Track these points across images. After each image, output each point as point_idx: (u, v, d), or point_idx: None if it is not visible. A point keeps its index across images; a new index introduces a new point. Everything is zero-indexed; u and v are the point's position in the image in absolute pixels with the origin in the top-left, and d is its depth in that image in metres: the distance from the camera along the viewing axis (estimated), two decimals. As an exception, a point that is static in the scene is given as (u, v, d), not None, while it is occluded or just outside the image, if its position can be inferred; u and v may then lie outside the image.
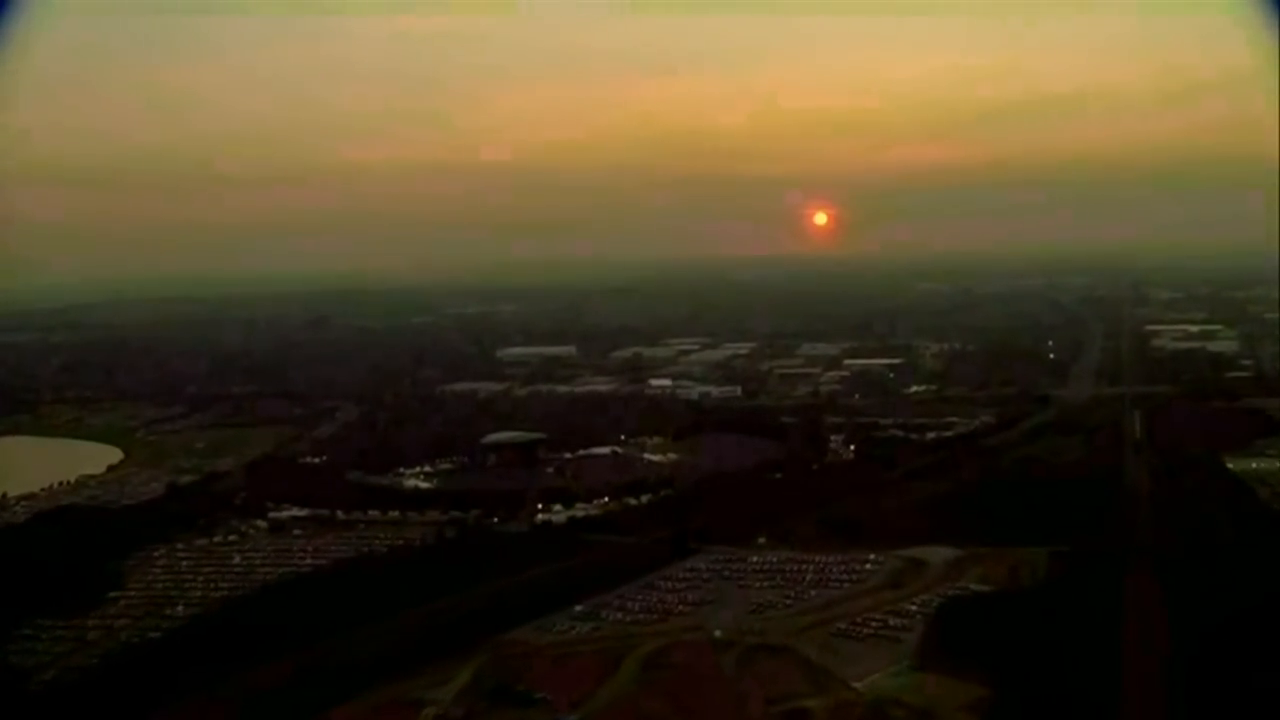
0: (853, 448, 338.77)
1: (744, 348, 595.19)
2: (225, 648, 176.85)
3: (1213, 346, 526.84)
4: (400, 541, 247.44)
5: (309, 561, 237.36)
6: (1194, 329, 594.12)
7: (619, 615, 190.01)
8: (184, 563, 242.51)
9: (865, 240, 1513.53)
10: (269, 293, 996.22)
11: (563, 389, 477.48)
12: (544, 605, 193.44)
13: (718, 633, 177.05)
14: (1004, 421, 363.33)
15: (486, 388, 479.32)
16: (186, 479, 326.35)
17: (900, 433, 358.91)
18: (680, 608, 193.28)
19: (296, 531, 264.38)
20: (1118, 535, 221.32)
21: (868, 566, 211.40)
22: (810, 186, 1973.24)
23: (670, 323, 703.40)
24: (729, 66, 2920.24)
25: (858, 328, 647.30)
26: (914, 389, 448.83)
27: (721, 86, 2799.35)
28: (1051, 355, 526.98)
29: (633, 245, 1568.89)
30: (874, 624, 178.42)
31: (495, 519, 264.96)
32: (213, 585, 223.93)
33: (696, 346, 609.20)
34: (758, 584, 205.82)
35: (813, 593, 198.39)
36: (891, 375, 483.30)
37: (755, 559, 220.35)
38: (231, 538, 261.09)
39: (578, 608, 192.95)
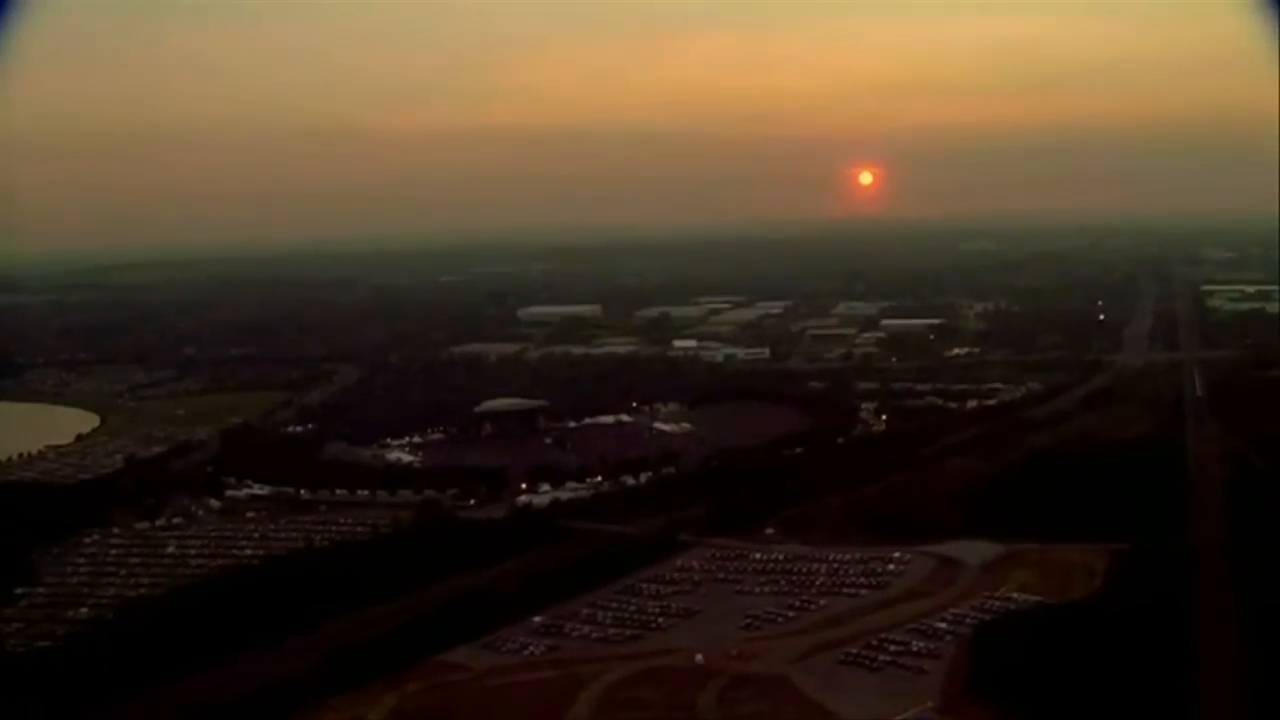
0: (884, 418, 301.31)
1: (777, 307, 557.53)
2: (97, 672, 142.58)
3: (1270, 308, 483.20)
4: (357, 528, 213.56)
5: (248, 552, 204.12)
6: (1250, 289, 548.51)
7: (584, 630, 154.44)
8: (113, 552, 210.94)
9: (910, 202, 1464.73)
10: (299, 255, 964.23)
11: (579, 350, 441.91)
12: (498, 614, 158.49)
13: (699, 658, 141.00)
14: (1052, 388, 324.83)
15: (499, 349, 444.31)
16: (156, 449, 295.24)
17: (938, 400, 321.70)
18: (660, 620, 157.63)
19: (249, 514, 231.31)
20: (1187, 529, 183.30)
21: (891, 567, 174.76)
22: (854, 148, 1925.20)
23: (702, 282, 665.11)
24: (772, 26, 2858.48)
25: (898, 287, 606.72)
26: (955, 351, 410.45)
27: (765, 46, 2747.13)
28: (1102, 317, 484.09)
29: (671, 207, 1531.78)
30: (892, 647, 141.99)
31: (472, 500, 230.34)
32: (131, 582, 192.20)
33: (727, 305, 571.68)
34: (758, 588, 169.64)
35: (822, 601, 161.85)
36: (931, 337, 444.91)
37: (759, 555, 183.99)
38: (176, 520, 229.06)
39: (537, 619, 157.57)
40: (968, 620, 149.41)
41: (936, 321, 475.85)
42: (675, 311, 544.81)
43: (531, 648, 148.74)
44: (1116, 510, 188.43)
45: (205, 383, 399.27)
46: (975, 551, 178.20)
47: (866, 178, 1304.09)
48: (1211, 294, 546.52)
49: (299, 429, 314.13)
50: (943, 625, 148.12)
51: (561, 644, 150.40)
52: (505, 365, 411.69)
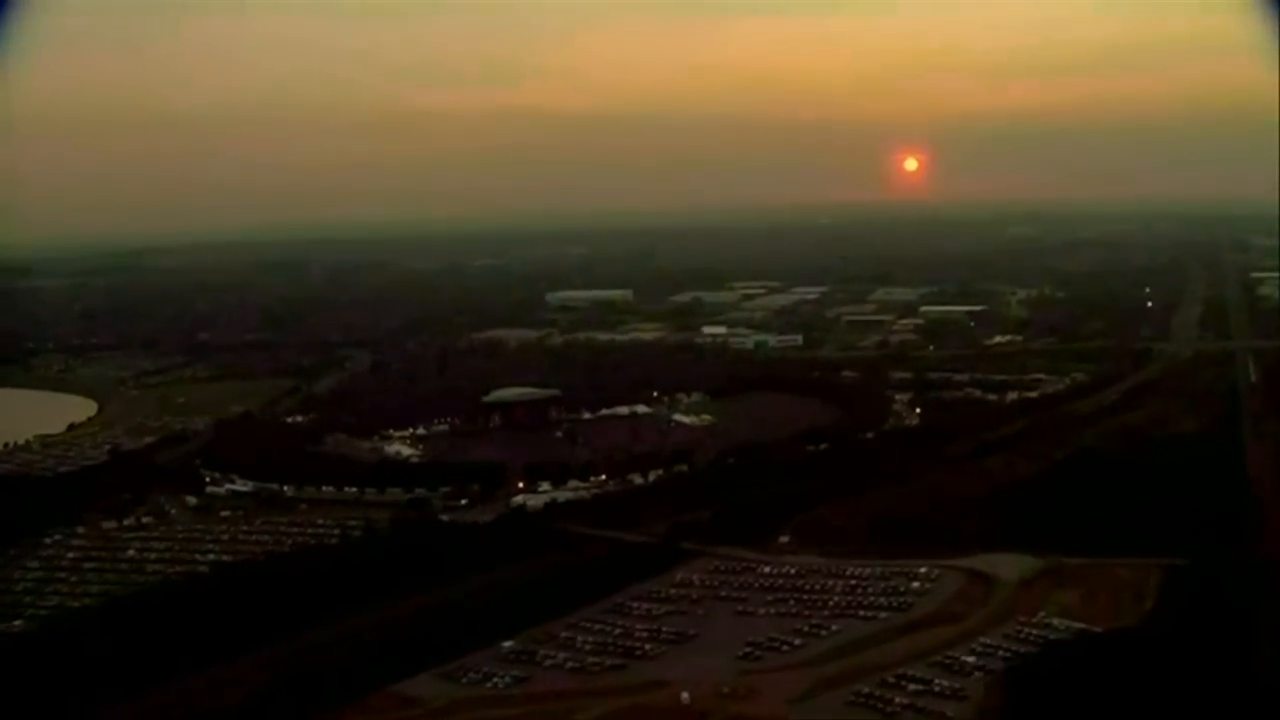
0: (918, 410, 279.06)
1: (813, 292, 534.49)
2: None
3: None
4: (334, 531, 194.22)
5: (211, 557, 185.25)
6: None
7: (560, 658, 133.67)
8: (70, 555, 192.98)
9: (952, 187, 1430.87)
10: (332, 239, 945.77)
11: (603, 337, 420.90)
12: (465, 638, 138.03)
13: (685, 696, 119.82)
14: (1098, 380, 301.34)
15: (521, 335, 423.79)
16: (147, 440, 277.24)
17: (976, 391, 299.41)
18: (648, 646, 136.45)
19: (225, 513, 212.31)
20: (1249, 540, 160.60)
21: (915, 585, 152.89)
22: (896, 132, 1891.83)
23: (739, 266, 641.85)
24: (812, 8, 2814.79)
25: (938, 272, 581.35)
26: (996, 339, 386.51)
27: (804, 29, 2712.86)
28: (1149, 304, 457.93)
29: (712, 191, 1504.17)
30: (912, 686, 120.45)
31: (464, 500, 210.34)
32: (78, 590, 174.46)
33: (762, 291, 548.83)
34: (763, 608, 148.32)
35: (835, 626, 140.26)
36: (972, 324, 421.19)
37: (768, 569, 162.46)
38: (146, 520, 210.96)
39: (507, 644, 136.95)
40: (1000, 653, 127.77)
41: (977, 308, 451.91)
42: (708, 297, 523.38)
43: (497, 679, 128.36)
44: (1169, 518, 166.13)
45: (214, 369, 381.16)
46: (1010, 566, 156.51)
47: (911, 164, 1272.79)
48: (1262, 281, 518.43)
49: (300, 419, 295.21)
50: (971, 659, 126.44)
51: (532, 674, 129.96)
52: (525, 352, 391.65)
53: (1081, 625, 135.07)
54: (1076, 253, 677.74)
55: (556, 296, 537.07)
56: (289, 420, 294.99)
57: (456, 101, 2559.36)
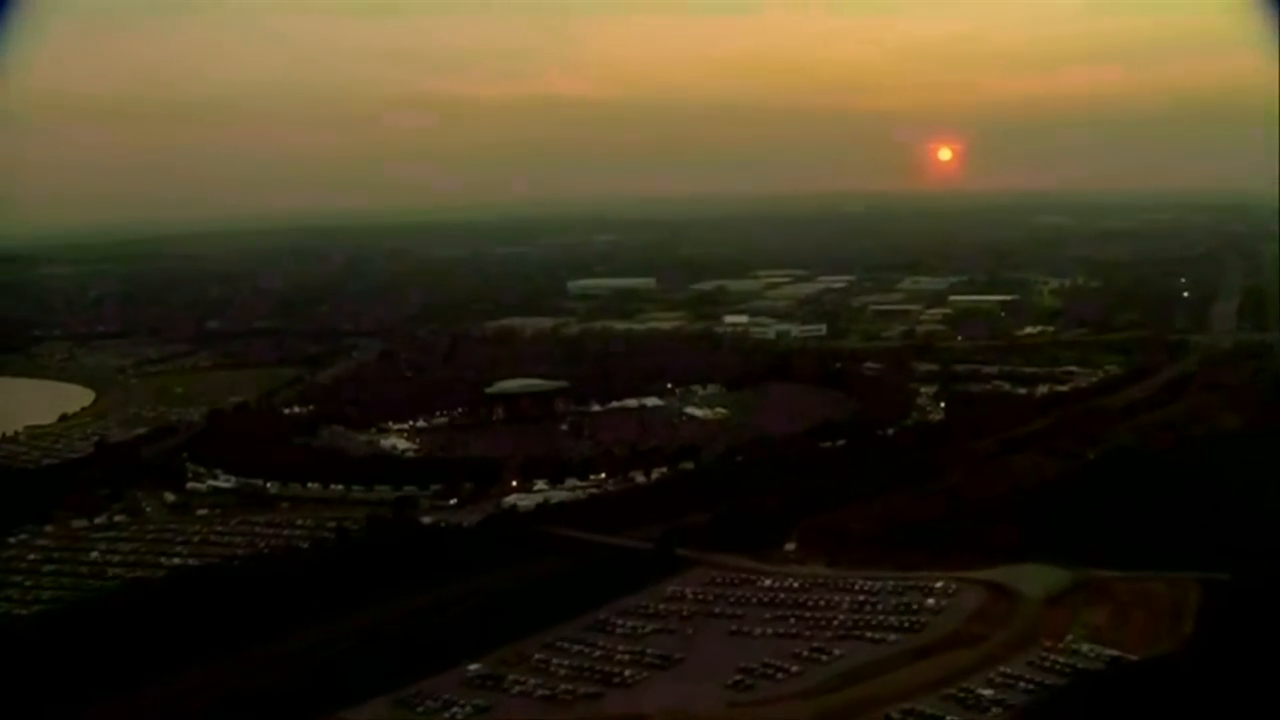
0: (942, 404, 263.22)
1: (840, 281, 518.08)
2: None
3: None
4: (310, 534, 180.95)
5: (175, 561, 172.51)
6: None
7: (529, 684, 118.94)
8: (31, 556, 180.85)
9: (984, 176, 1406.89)
10: (355, 226, 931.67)
11: (621, 326, 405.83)
12: (427, 658, 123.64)
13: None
14: (1133, 372, 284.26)
15: (536, 323, 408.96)
16: (138, 431, 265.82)
17: (1005, 384, 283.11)
18: (628, 672, 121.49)
19: (201, 511, 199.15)
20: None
21: (930, 601, 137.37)
22: (927, 121, 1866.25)
23: (766, 254, 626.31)
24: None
25: (968, 261, 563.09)
26: (1027, 330, 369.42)
27: (837, 18, 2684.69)
28: (1185, 294, 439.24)
29: (743, 179, 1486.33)
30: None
31: (453, 500, 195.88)
32: (30, 596, 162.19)
33: (787, 279, 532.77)
34: (760, 627, 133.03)
35: (838, 650, 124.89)
36: (1002, 313, 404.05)
37: (769, 581, 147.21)
38: (118, 518, 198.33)
39: (473, 667, 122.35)
40: (1021, 684, 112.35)
41: (1008, 297, 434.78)
42: (732, 285, 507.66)
43: (457, 708, 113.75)
44: (1211, 526, 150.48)
45: (218, 357, 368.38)
46: (1036, 580, 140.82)
47: (945, 153, 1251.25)
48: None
49: (297, 410, 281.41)
50: (988, 692, 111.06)
51: (496, 703, 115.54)
52: (539, 341, 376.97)
53: (1114, 652, 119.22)
54: (1110, 242, 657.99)
55: (578, 284, 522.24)
56: (286, 411, 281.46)
57: (484, 91, 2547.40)
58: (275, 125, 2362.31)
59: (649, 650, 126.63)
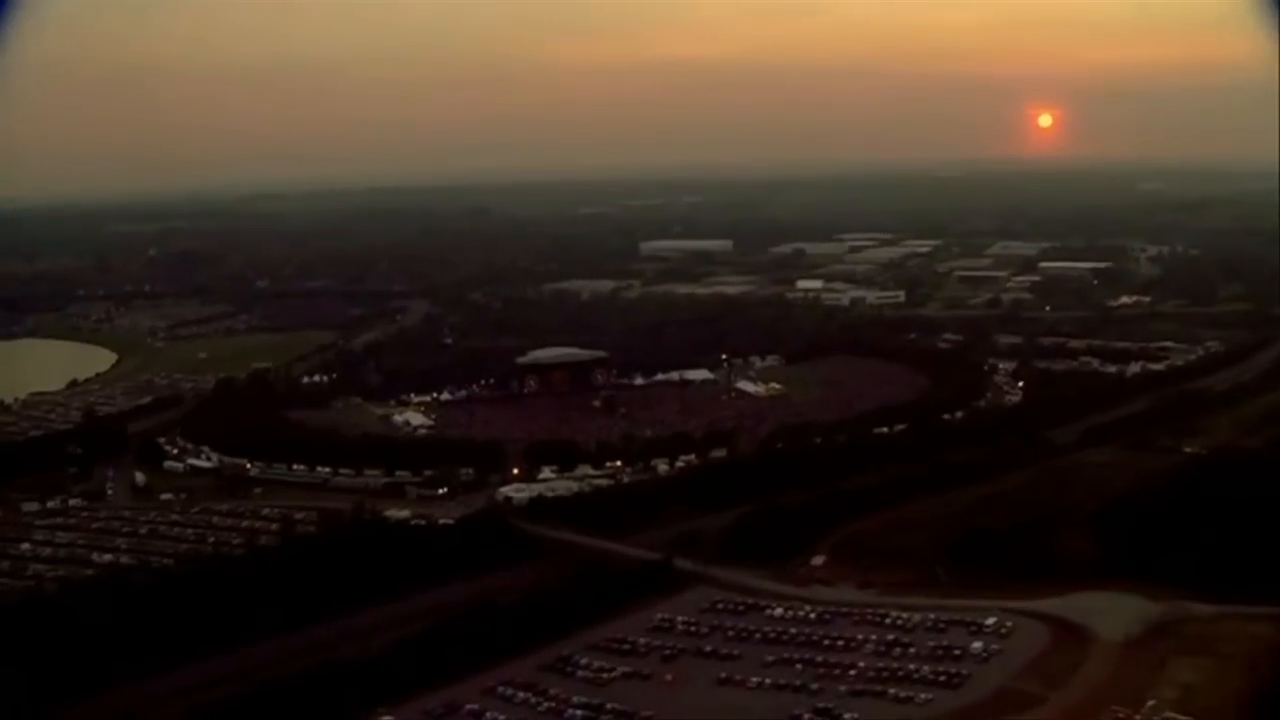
0: (1021, 384, 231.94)
1: (925, 245, 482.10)
2: None
3: None
4: (271, 527, 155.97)
5: (108, 558, 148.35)
6: None
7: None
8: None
9: (1083, 143, 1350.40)
10: (446, 186, 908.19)
11: (684, 290, 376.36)
12: (322, 704, 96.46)
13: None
14: (1235, 350, 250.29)
15: (595, 286, 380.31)
16: (142, 400, 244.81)
17: (1093, 360, 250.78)
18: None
19: (165, 496, 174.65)
20: None
21: (977, 645, 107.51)
22: (1025, 86, 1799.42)
23: (852, 217, 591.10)
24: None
25: (1062, 227, 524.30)
26: (1121, 300, 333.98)
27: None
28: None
29: (837, 143, 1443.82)
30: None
31: (444, 488, 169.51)
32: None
33: (871, 243, 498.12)
34: (757, 676, 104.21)
35: (848, 714, 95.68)
36: (1095, 282, 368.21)
37: (780, 611, 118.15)
38: (74, 501, 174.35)
39: (386, 718, 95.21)
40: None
41: (1101, 265, 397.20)
42: (812, 248, 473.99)
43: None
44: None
45: (258, 320, 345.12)
46: (1114, 613, 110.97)
47: (1045, 119, 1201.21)
48: None
49: (318, 379, 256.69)
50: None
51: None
52: (594, 305, 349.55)
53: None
54: (1210, 209, 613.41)
55: (650, 246, 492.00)
56: (305, 380, 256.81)
57: (585, 52, 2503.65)
58: (380, 88, 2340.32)
59: (611, 703, 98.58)
